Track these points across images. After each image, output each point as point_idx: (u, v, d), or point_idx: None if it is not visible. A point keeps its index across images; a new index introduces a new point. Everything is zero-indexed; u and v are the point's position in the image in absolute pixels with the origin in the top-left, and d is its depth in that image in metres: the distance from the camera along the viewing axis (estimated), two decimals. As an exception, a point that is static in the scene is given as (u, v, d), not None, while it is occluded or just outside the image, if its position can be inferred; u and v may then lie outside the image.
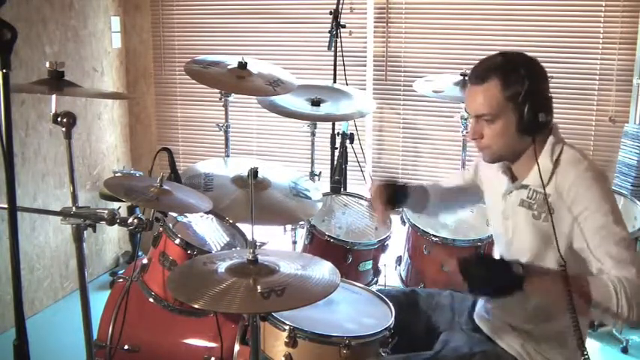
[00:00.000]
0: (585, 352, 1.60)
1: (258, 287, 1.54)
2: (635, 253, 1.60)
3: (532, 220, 1.75)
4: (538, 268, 1.72)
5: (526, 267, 1.62)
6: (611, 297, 1.53)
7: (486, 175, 2.00)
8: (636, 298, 1.52)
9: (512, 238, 1.82)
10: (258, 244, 2.38)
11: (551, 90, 1.73)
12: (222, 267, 1.66)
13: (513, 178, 1.84)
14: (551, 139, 1.74)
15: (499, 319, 1.88)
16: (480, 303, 2.01)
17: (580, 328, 1.59)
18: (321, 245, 2.60)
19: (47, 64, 1.86)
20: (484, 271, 1.62)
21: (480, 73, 1.73)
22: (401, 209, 2.67)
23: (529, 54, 1.75)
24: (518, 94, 1.67)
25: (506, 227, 1.85)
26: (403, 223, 2.77)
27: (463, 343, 1.88)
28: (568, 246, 1.68)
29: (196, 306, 1.51)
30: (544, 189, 1.69)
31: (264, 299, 1.50)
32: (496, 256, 2.01)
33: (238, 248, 2.34)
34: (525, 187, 1.78)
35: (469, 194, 2.16)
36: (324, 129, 3.31)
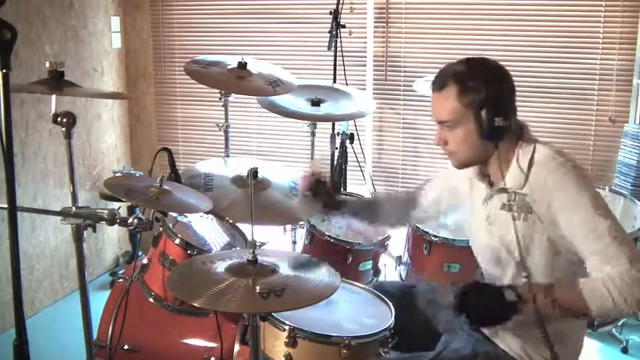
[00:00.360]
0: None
1: (257, 287, 1.54)
2: (622, 241, 1.57)
3: (512, 222, 1.74)
4: (533, 288, 1.67)
5: (519, 292, 1.62)
6: (607, 301, 1.52)
7: (461, 186, 1.98)
8: (628, 293, 1.51)
9: (497, 240, 1.81)
10: (257, 244, 2.38)
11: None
12: (221, 267, 1.66)
13: (491, 184, 1.84)
14: (521, 142, 1.75)
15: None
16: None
17: (550, 340, 1.67)
18: (321, 245, 2.60)
19: (47, 64, 1.86)
20: (479, 303, 1.63)
21: (439, 80, 1.75)
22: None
23: (493, 58, 1.76)
24: (475, 101, 1.68)
25: (491, 233, 1.84)
26: (403, 223, 2.77)
27: (464, 344, 1.87)
28: (550, 243, 1.69)
29: (196, 304, 1.51)
30: (511, 190, 1.70)
31: (263, 299, 1.50)
32: (480, 259, 1.99)
33: (238, 248, 2.34)
34: (505, 190, 1.78)
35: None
36: (324, 129, 3.31)
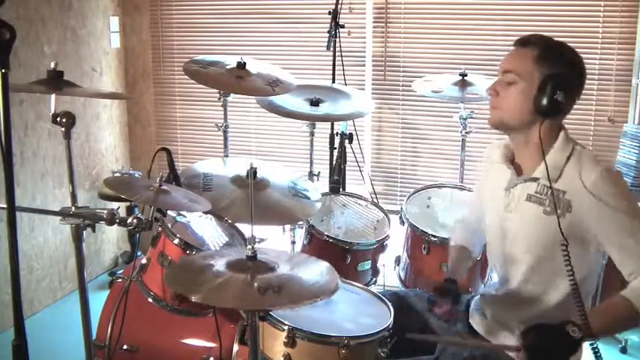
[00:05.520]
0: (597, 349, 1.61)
1: (255, 283, 1.53)
2: None
3: (543, 216, 1.72)
4: (595, 318, 1.62)
5: (582, 327, 1.55)
6: None
7: (488, 175, 1.98)
8: None
9: (517, 233, 1.80)
10: (257, 239, 2.38)
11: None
12: (220, 263, 1.65)
13: (518, 172, 1.83)
14: (562, 135, 1.74)
15: (497, 321, 1.88)
16: (475, 305, 2.01)
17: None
18: (319, 245, 2.60)
19: (52, 65, 1.85)
20: (544, 343, 1.55)
21: (526, 39, 1.76)
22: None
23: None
24: (548, 71, 1.68)
25: (509, 221, 1.82)
26: (402, 222, 2.77)
27: (462, 348, 1.87)
28: (582, 245, 1.67)
29: (193, 298, 1.50)
30: (550, 184, 1.67)
31: (261, 295, 1.49)
32: (492, 253, 1.98)
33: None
34: (534, 180, 1.76)
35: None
36: (323, 129, 3.31)
